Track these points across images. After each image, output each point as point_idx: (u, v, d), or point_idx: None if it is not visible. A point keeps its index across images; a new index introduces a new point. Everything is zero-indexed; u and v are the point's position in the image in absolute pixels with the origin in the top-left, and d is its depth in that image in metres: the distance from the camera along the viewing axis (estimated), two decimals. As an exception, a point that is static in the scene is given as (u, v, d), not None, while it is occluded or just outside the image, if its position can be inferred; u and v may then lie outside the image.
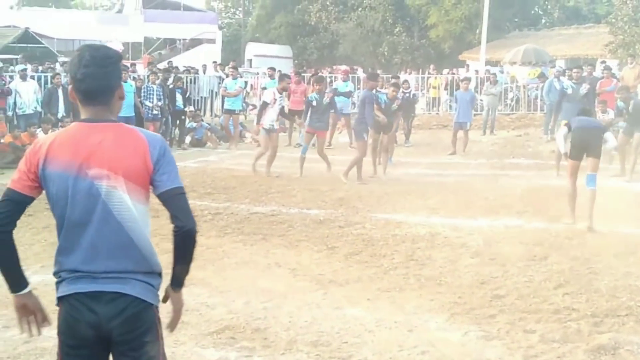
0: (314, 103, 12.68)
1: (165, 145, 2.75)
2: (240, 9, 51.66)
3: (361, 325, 5.45)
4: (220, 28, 45.11)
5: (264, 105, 12.43)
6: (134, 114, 15.59)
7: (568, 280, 6.59)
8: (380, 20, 39.65)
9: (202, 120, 18.58)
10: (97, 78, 2.66)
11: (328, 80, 23.65)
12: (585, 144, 8.87)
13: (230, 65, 21.47)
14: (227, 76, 23.56)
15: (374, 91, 12.76)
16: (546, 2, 41.32)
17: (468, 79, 18.42)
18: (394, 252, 7.63)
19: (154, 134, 2.80)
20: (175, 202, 2.66)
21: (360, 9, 40.61)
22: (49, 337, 5.08)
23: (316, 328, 5.38)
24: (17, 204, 2.66)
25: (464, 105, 16.39)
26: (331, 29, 41.62)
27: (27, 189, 2.66)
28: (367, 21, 39.72)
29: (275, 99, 12.43)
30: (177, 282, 2.78)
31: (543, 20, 42.75)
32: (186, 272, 2.76)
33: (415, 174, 12.82)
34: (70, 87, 2.75)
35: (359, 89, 24.22)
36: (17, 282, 2.72)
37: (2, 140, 13.81)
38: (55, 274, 2.71)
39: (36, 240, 7.81)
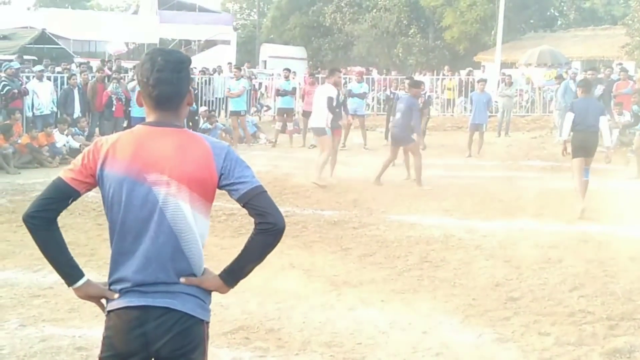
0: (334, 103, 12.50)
1: (231, 151, 2.62)
2: (255, 10, 51.83)
3: (375, 326, 5.45)
4: (235, 29, 45.31)
5: (330, 101, 11.73)
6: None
7: (583, 283, 6.56)
8: (395, 21, 39.57)
9: (217, 122, 18.65)
10: (170, 83, 2.58)
11: (342, 81, 23.66)
12: (584, 146, 9.57)
13: (245, 66, 21.51)
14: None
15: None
16: (562, 4, 41.15)
17: (484, 80, 18.34)
18: (408, 253, 7.62)
19: (219, 142, 2.68)
20: (261, 200, 2.54)
21: (375, 10, 40.56)
22: (64, 335, 5.17)
23: (330, 329, 5.39)
24: (61, 193, 2.57)
25: (480, 107, 16.31)
26: (346, 30, 41.59)
27: (75, 182, 2.57)
28: (382, 22, 39.65)
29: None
30: (238, 277, 2.65)
31: (559, 22, 42.54)
32: (250, 271, 2.65)
33: (430, 176, 12.74)
34: (137, 91, 2.66)
35: (373, 90, 24.27)
36: (68, 273, 2.62)
37: (19, 141, 13.91)
38: (109, 286, 2.61)
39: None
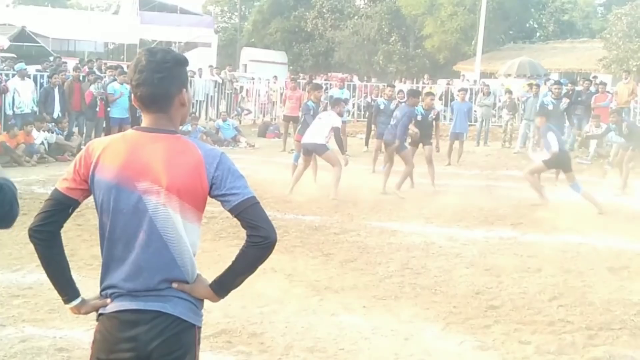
0: (312, 112, 12.43)
1: (225, 159, 2.56)
2: (236, 13, 51.76)
3: (357, 332, 5.46)
4: (216, 32, 45.18)
5: (337, 131, 11.69)
6: (128, 116, 15.61)
7: (562, 292, 6.63)
8: (376, 29, 39.81)
9: (197, 124, 18.60)
10: (151, 84, 2.52)
11: (323, 87, 23.69)
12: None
13: (226, 69, 21.39)
14: (222, 80, 23.69)
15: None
16: (541, 16, 41.62)
17: (465, 90, 18.47)
18: (389, 260, 7.65)
19: (212, 149, 2.61)
20: (253, 212, 2.50)
21: (356, 17, 40.80)
22: (45, 336, 5.12)
23: (312, 334, 5.39)
24: (59, 204, 2.55)
25: (460, 116, 16.44)
26: (327, 36, 41.77)
27: (71, 191, 2.55)
28: (363, 29, 39.87)
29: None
30: (229, 288, 2.61)
31: (538, 34, 43.06)
32: (242, 282, 2.62)
33: (410, 183, 12.83)
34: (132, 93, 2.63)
35: (354, 96, 24.34)
36: (65, 291, 2.60)
37: (-4, 140, 13.77)
38: (101, 292, 2.59)
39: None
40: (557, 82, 14.25)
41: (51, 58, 22.22)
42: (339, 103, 12.21)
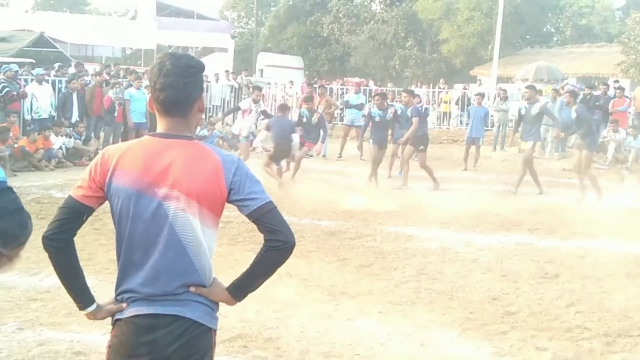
0: (304, 120, 13.26)
1: (241, 164, 2.58)
2: (252, 18, 51.88)
3: (373, 337, 5.46)
4: (233, 37, 45.30)
5: (237, 109, 13.58)
6: (145, 120, 15.70)
7: (580, 299, 6.58)
8: (392, 33, 39.69)
9: (214, 129, 18.65)
10: (176, 88, 2.53)
11: (339, 92, 23.72)
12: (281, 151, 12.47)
13: (242, 74, 21.46)
14: (239, 85, 23.74)
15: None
16: (558, 20, 41.38)
17: (482, 94, 18.39)
18: (405, 265, 7.63)
19: (229, 155, 2.64)
20: (272, 216, 2.52)
21: (372, 22, 40.70)
22: (62, 340, 5.15)
23: (328, 339, 5.39)
24: (74, 212, 2.55)
25: (477, 121, 16.38)
26: (343, 41, 41.70)
27: (86, 199, 2.55)
28: (379, 34, 39.78)
29: (251, 109, 13.28)
30: (247, 292, 2.64)
31: (555, 38, 42.80)
32: (259, 286, 2.64)
33: (426, 188, 12.82)
34: (149, 96, 2.64)
35: (369, 101, 24.32)
36: (80, 298, 2.61)
37: (15, 145, 13.87)
38: (116, 296, 2.60)
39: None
40: (530, 87, 13.94)
41: (72, 64, 22.35)
42: (254, 91, 13.82)
